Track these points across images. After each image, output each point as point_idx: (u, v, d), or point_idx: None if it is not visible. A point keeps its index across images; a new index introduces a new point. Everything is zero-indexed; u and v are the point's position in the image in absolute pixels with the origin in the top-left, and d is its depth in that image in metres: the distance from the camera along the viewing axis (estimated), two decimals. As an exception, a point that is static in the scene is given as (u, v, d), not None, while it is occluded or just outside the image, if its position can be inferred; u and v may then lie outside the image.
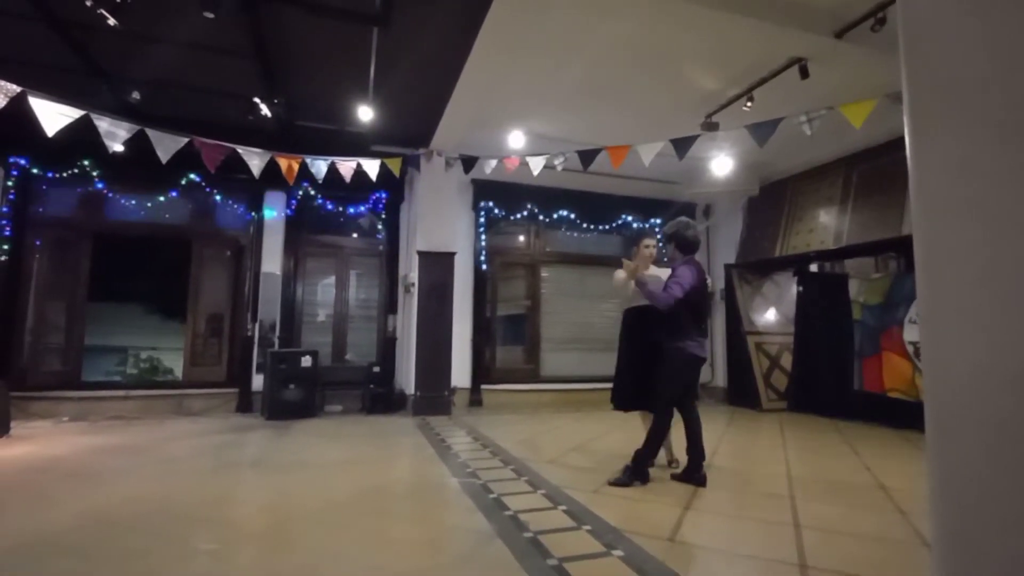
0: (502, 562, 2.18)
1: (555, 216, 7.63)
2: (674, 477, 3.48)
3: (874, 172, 6.05)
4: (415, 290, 6.46)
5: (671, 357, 3.41)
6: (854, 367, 6.19)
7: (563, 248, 7.86)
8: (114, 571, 2.09)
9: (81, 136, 3.94)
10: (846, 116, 4.10)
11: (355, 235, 7.18)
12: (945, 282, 0.96)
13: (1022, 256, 0.85)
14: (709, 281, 3.85)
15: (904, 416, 5.52)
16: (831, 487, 3.43)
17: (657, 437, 3.39)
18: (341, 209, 6.99)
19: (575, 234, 7.86)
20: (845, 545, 2.43)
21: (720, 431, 5.53)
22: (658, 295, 3.34)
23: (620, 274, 3.58)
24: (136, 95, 5.20)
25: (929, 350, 0.99)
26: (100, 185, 6.11)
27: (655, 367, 3.49)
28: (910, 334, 5.59)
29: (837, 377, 6.36)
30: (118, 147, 4.14)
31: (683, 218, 3.67)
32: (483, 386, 7.02)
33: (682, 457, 3.56)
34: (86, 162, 5.95)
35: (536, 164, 5.29)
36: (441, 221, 6.58)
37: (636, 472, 3.34)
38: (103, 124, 4.04)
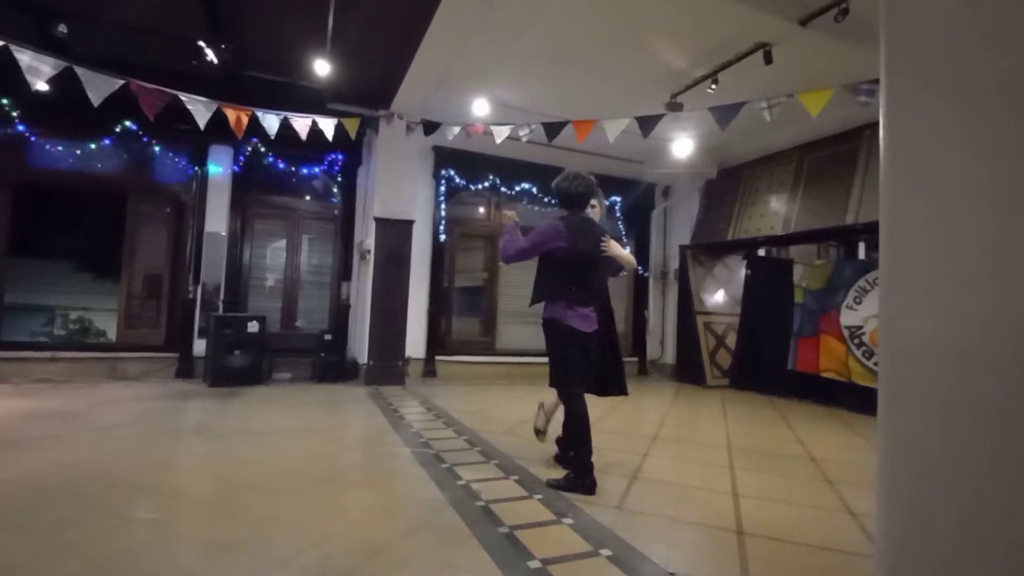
0: (454, 530, 2.20)
1: (517, 189, 7.56)
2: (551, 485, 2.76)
3: (824, 161, 6.28)
4: (371, 257, 6.29)
5: (545, 330, 3.00)
6: (790, 348, 6.54)
7: (524, 221, 7.69)
8: (44, 542, 1.96)
9: (-3, 70, 3.54)
10: (804, 104, 4.21)
11: (308, 197, 6.87)
12: (906, 259, 0.99)
13: (979, 234, 0.88)
14: (605, 240, 2.99)
15: (834, 394, 5.91)
16: (767, 458, 3.63)
17: (578, 430, 2.81)
18: (294, 169, 6.65)
19: (536, 208, 7.81)
20: (779, 512, 2.59)
21: (667, 405, 5.75)
22: (501, 248, 3.11)
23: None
24: (63, 28, 4.70)
25: (886, 325, 1.03)
26: (21, 127, 5.55)
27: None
28: (846, 319, 5.93)
29: (777, 357, 6.70)
30: (42, 85, 3.75)
31: (574, 168, 3.07)
32: (437, 357, 6.98)
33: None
34: (4, 101, 5.38)
35: (500, 132, 5.20)
36: (400, 187, 6.39)
37: (579, 481, 2.73)
38: (24, 58, 3.63)
